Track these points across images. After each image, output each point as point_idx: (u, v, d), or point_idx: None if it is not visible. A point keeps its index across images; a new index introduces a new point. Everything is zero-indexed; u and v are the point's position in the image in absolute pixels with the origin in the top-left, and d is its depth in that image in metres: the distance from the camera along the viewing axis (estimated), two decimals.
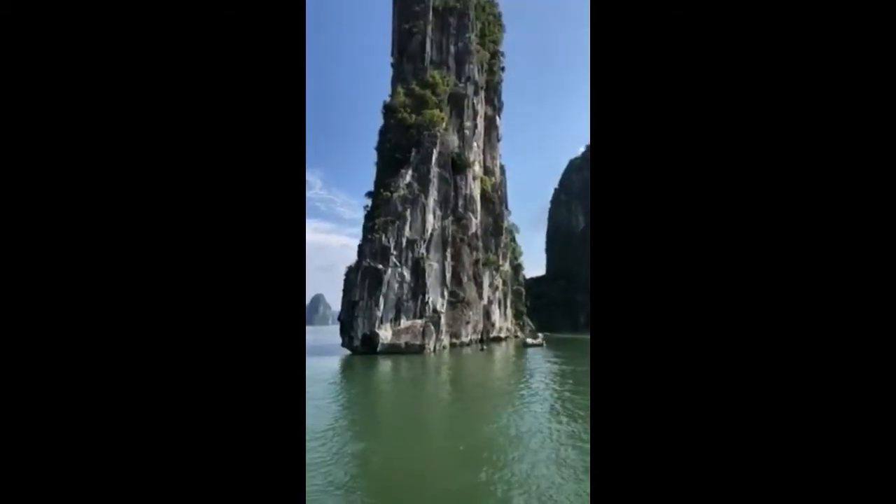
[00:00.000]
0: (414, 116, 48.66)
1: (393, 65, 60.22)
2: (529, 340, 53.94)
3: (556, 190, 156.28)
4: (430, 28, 58.46)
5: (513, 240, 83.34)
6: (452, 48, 60.16)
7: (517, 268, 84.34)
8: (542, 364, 30.78)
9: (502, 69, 73.28)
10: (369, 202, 45.75)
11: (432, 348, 41.15)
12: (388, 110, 51.03)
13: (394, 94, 53.21)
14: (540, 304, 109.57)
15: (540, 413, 14.46)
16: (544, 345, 51.07)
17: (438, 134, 48.33)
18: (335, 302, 41.94)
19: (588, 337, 76.40)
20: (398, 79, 57.04)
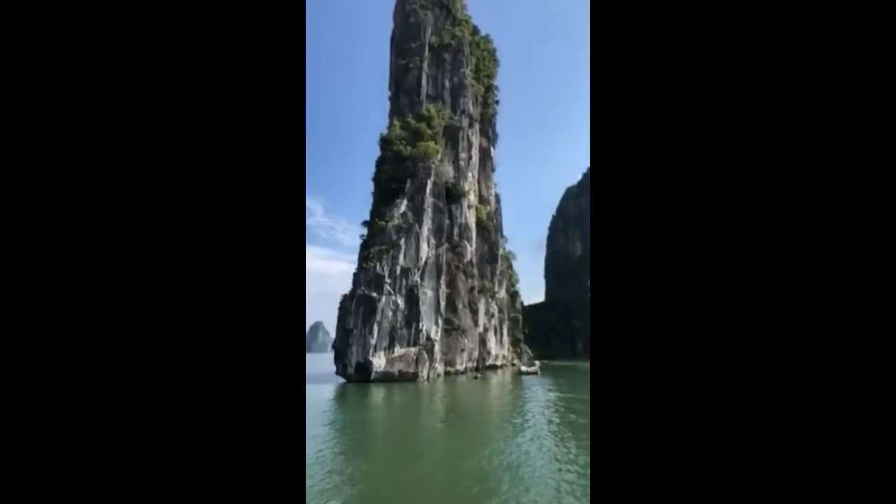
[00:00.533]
0: (409, 148, 50.21)
1: (390, 98, 62.34)
2: (524, 368, 54.01)
3: (553, 217, 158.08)
4: (425, 64, 60.78)
5: (509, 267, 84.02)
6: (448, 83, 62.39)
7: (514, 294, 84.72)
8: (534, 392, 31.05)
9: (497, 102, 75.60)
10: (365, 231, 46.76)
11: (426, 376, 41.34)
12: (385, 142, 52.64)
13: (390, 126, 54.99)
14: (538, 332, 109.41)
15: (528, 441, 14.88)
16: (539, 373, 51.17)
17: (433, 165, 49.75)
18: (334, 329, 42.34)
19: (586, 364, 76.42)
20: (395, 112, 58.99)
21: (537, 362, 66.71)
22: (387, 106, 62.49)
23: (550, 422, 18.65)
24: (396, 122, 54.85)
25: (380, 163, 52.03)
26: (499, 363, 63.50)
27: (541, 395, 29.26)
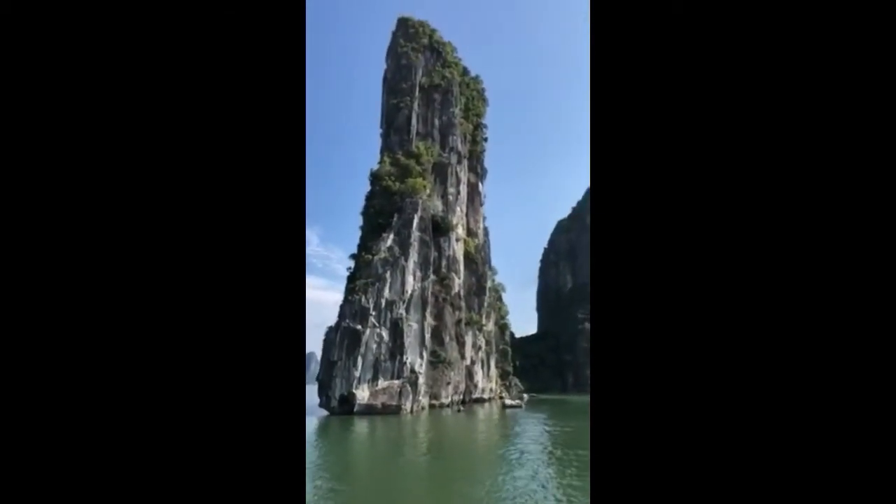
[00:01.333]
0: (398, 184, 51.86)
1: (382, 136, 64.58)
2: (508, 402, 54.16)
3: (545, 249, 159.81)
4: (416, 103, 63.34)
5: (499, 299, 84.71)
6: (437, 121, 64.85)
7: (503, 327, 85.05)
8: (518, 425, 31.41)
9: (485, 139, 78.20)
10: (353, 264, 47.74)
11: (409, 409, 41.46)
12: (375, 177, 54.35)
13: (381, 162, 56.85)
14: (529, 364, 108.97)
15: (504, 474, 15.43)
16: (523, 406, 51.31)
17: (420, 200, 51.28)
18: None
19: (575, 398, 76.14)
20: (386, 148, 61.04)
21: (526, 395, 66.51)
22: (379, 142, 64.68)
23: (525, 453, 19.19)
24: (386, 159, 56.76)
25: (369, 197, 53.55)
26: (486, 396, 63.36)
27: (524, 428, 29.63)
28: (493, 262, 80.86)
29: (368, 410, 38.88)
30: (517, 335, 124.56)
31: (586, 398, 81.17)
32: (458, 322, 58.03)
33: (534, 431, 27.73)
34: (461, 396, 54.64)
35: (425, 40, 70.27)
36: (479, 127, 76.95)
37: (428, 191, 54.70)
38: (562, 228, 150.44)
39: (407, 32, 70.53)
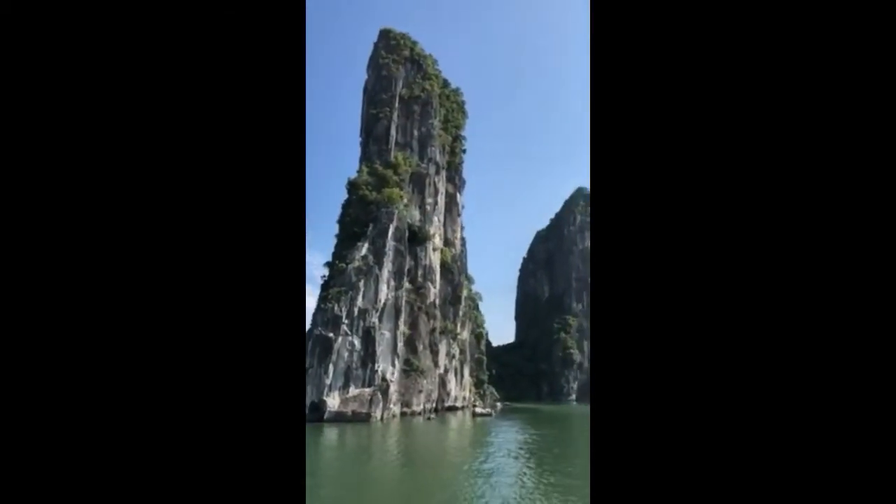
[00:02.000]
0: (374, 193, 52.61)
1: (361, 145, 65.33)
2: (479, 410, 55.06)
3: (524, 259, 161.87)
4: (395, 114, 64.34)
5: (475, 308, 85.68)
6: (416, 132, 65.92)
7: (479, 336, 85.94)
8: (483, 433, 32.16)
9: (464, 151, 79.62)
10: (327, 272, 48.17)
11: (380, 417, 41.92)
12: (352, 186, 54.99)
13: (359, 171, 57.55)
14: (506, 373, 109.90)
15: (464, 478, 16.16)
16: (494, 414, 52.20)
17: (396, 210, 52.07)
18: None
19: (548, 407, 77.29)
20: (364, 158, 61.79)
21: (499, 404, 67.40)
22: (358, 151, 65.41)
23: (489, 458, 20.00)
24: (364, 168, 57.50)
25: (346, 206, 54.15)
26: (458, 404, 64.03)
27: (492, 435, 30.46)
28: (473, 272, 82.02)
29: (338, 418, 39.22)
30: (497, 344, 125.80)
31: (558, 407, 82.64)
32: (433, 331, 58.73)
33: (501, 439, 28.59)
34: (433, 405, 55.22)
35: (406, 52, 71.51)
36: (458, 138, 78.30)
37: (405, 200, 55.57)
38: (540, 239, 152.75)
39: (388, 44, 71.69)
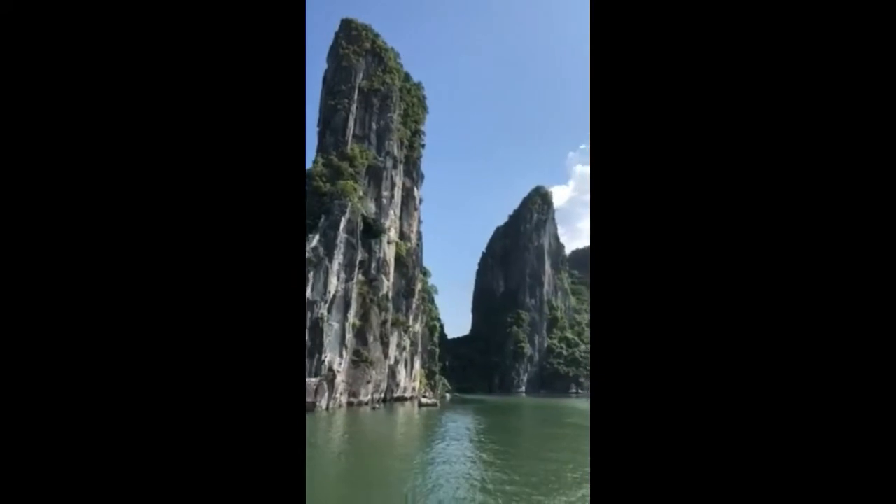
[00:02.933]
0: (328, 185, 52.82)
1: (318, 135, 65.00)
2: (425, 401, 56.80)
3: (483, 254, 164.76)
4: (354, 106, 64.37)
5: (430, 301, 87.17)
6: (374, 125, 66.22)
7: (432, 328, 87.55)
8: (426, 422, 33.60)
9: (423, 146, 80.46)
10: None
11: (325, 406, 42.69)
12: (306, 177, 54.94)
13: (314, 162, 57.44)
14: (459, 365, 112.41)
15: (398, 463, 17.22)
16: (439, 405, 53.98)
17: (349, 203, 52.53)
18: None
19: (497, 398, 79.95)
20: (321, 149, 61.61)
21: (448, 395, 69.40)
22: (315, 141, 65.08)
23: (425, 444, 21.30)
24: (320, 159, 57.46)
25: None
26: (407, 395, 65.42)
27: (435, 424, 31.94)
28: (437, 266, 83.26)
29: None
30: (454, 336, 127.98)
31: (507, 399, 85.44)
32: (384, 323, 59.69)
33: (443, 427, 30.19)
34: (382, 395, 56.34)
35: (367, 44, 71.42)
36: (417, 133, 79.03)
37: (360, 193, 56.02)
38: (499, 234, 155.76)
39: (349, 35, 71.34)
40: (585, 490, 12.39)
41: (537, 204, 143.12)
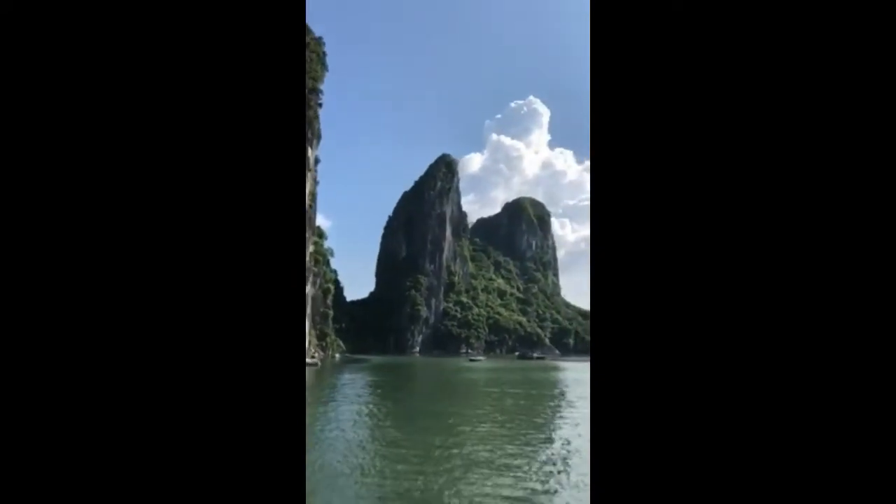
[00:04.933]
0: None
1: None
2: (308, 361, 58.49)
3: (389, 218, 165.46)
4: None
5: (325, 264, 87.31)
6: None
7: (326, 291, 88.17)
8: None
9: (320, 105, 78.34)
10: None
11: None
12: None
13: None
14: (355, 327, 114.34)
15: None
16: (319, 364, 56.17)
17: None
18: None
19: (388, 358, 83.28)
20: None
21: (338, 355, 71.26)
22: None
23: None
24: None
25: None
26: None
27: (313, 382, 33.12)
28: (347, 229, 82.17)
29: None
30: (355, 299, 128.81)
31: (398, 358, 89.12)
32: None
33: (321, 382, 31.93)
34: None
35: None
36: (315, 91, 76.66)
37: None
38: (405, 199, 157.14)
39: None
40: (468, 434, 13.00)
41: (441, 172, 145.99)
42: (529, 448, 11.46)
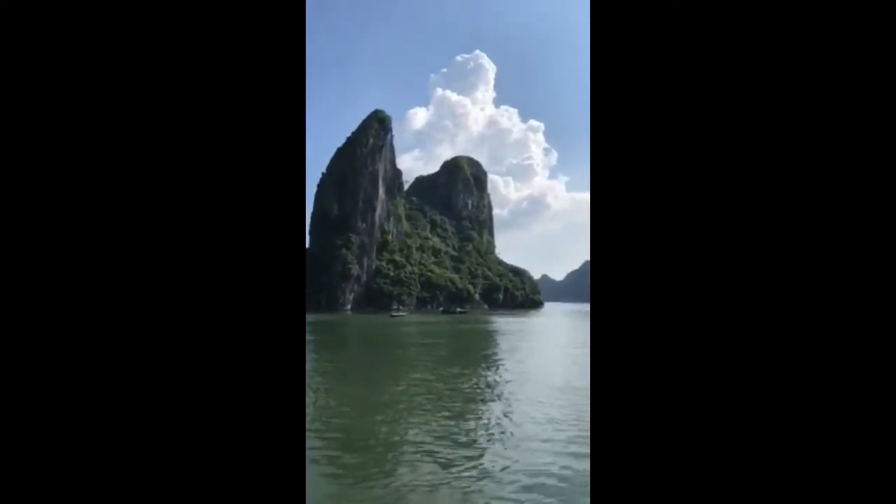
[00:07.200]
0: None
1: None
2: None
3: (322, 174, 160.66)
4: None
5: None
6: None
7: None
8: None
9: None
10: None
11: None
12: None
13: None
14: None
15: None
16: None
17: None
18: None
19: (320, 316, 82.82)
20: None
21: None
22: None
23: None
24: None
25: None
26: None
27: None
28: None
29: None
30: None
31: (329, 316, 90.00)
32: None
33: None
34: None
35: None
36: None
37: None
38: (338, 156, 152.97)
39: None
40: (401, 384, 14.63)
41: (374, 129, 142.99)
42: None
